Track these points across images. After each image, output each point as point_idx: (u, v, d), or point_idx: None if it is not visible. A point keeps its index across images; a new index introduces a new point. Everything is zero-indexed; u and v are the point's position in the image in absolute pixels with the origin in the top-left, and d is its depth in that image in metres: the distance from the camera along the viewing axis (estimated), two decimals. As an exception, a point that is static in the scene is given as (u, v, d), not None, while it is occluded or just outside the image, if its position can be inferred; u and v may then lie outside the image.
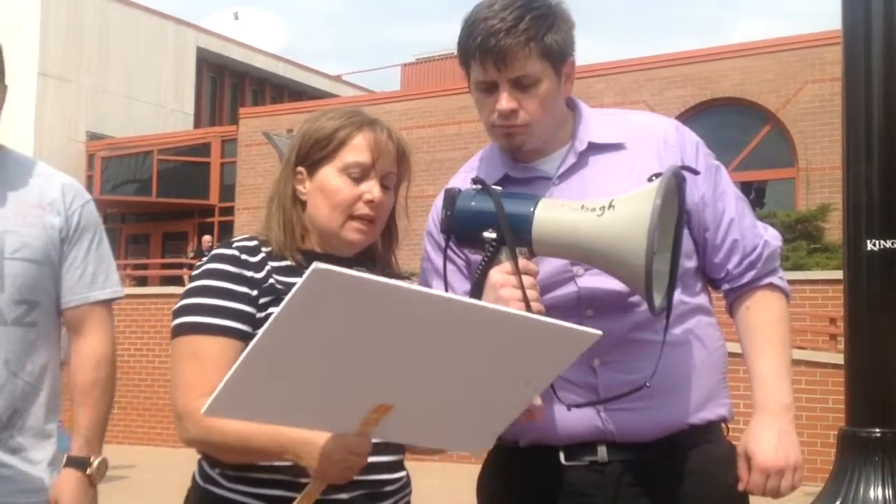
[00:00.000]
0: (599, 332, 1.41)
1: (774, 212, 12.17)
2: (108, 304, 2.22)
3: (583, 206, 1.67)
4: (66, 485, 2.10)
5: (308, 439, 1.50)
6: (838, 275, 8.73)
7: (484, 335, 1.34)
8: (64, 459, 2.15)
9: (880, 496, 2.96)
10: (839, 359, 7.64)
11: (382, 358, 1.34)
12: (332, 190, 1.73)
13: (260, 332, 1.28)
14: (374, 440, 1.50)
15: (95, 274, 2.20)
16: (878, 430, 3.06)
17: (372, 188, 1.73)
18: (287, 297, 1.24)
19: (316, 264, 1.21)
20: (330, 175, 1.74)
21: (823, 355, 8.29)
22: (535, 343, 1.39)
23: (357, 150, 1.73)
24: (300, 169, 1.77)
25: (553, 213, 1.69)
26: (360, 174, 1.73)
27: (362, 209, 1.72)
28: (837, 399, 7.02)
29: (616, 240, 1.62)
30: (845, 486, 3.03)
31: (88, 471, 2.13)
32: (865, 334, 3.22)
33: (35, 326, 2.12)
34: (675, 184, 1.67)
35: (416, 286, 1.31)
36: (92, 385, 2.16)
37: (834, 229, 11.58)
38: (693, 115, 13.70)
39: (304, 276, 1.21)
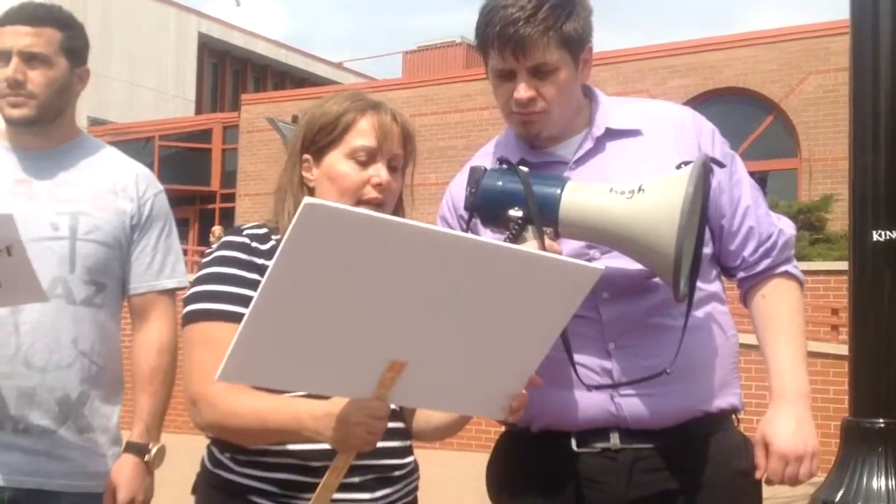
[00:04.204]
0: (602, 268, 1.42)
1: (777, 202, 12.14)
2: (173, 293, 2.26)
3: (611, 189, 1.68)
4: (125, 470, 2.13)
5: (326, 411, 1.49)
6: (840, 265, 8.77)
7: (488, 274, 1.33)
8: (123, 444, 2.18)
9: (883, 486, 2.95)
10: (841, 349, 7.63)
11: (390, 305, 1.32)
12: (339, 175, 1.72)
13: (262, 281, 1.28)
14: (388, 425, 1.49)
15: (164, 263, 2.25)
16: (882, 420, 3.04)
17: (379, 171, 1.72)
18: (283, 239, 1.23)
19: (307, 198, 1.21)
20: (336, 160, 1.73)
21: (825, 346, 8.29)
22: (541, 281, 1.38)
23: (362, 133, 1.72)
24: (306, 156, 1.77)
25: (581, 194, 1.69)
26: (366, 158, 1.72)
27: (371, 193, 1.71)
28: (839, 390, 7.02)
29: (645, 224, 1.61)
30: (848, 477, 3.02)
31: (147, 457, 2.16)
32: (870, 325, 3.20)
33: (102, 308, 2.17)
34: (703, 173, 1.66)
35: (414, 222, 1.29)
36: (154, 372, 2.20)
37: (836, 220, 11.56)
38: (696, 105, 13.61)
39: (297, 213, 1.20)
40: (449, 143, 15.17)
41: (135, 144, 20.75)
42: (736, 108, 13.97)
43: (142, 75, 23.53)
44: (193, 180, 20.03)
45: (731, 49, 14.12)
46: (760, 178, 13.97)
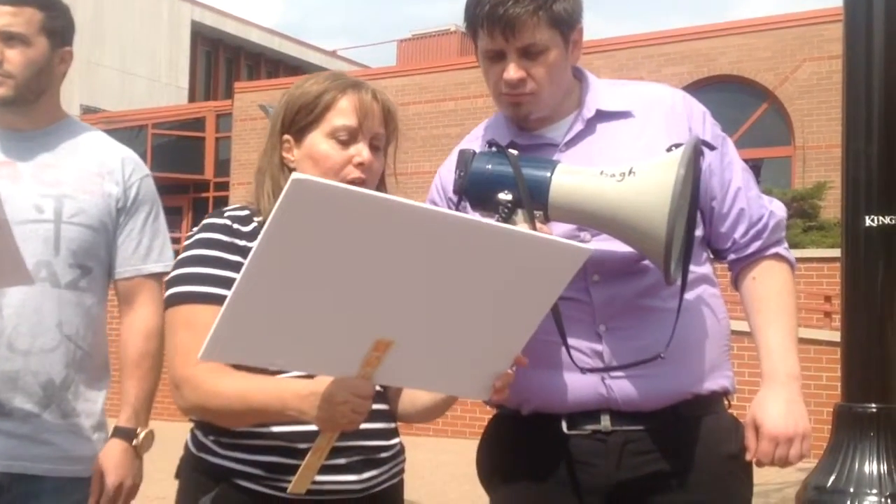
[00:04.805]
0: (592, 248, 1.42)
1: (771, 189, 12.15)
2: (160, 277, 2.23)
3: (602, 172, 1.67)
4: (113, 455, 2.12)
5: (310, 390, 1.48)
6: (833, 253, 8.77)
7: (477, 252, 1.33)
8: (111, 430, 2.17)
9: (875, 471, 2.96)
10: (833, 336, 7.64)
11: (376, 283, 1.32)
12: (321, 155, 1.71)
13: (248, 258, 1.27)
14: (373, 406, 1.49)
15: (150, 247, 2.23)
16: (873, 405, 3.05)
17: (361, 150, 1.71)
18: (270, 216, 1.22)
19: (295, 174, 1.20)
20: (317, 140, 1.72)
21: (818, 332, 8.31)
22: (529, 260, 1.37)
23: (343, 113, 1.72)
24: (287, 137, 1.76)
25: (571, 177, 1.68)
26: (347, 137, 1.71)
27: (353, 172, 1.71)
28: (831, 376, 7.04)
29: (636, 207, 1.61)
30: (840, 461, 3.03)
31: (135, 442, 2.15)
32: (862, 310, 3.21)
33: (88, 293, 2.15)
34: (694, 155, 1.66)
35: (402, 199, 1.28)
36: (142, 357, 2.18)
37: (829, 207, 11.58)
38: (690, 93, 13.52)
39: (284, 189, 1.19)
40: (443, 131, 15.13)
41: (128, 133, 20.68)
42: (730, 96, 13.95)
43: (134, 63, 23.43)
44: (187, 169, 19.95)
45: (725, 37, 14.09)
46: (754, 166, 13.97)
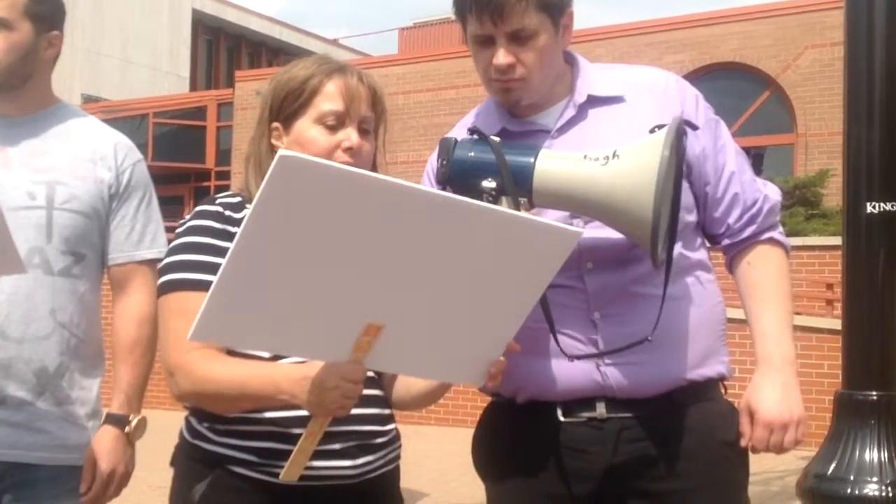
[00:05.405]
0: (582, 231, 1.41)
1: (773, 177, 12.11)
2: (153, 263, 2.19)
3: (585, 157, 1.66)
4: (105, 442, 2.11)
5: (303, 374, 1.48)
6: (836, 240, 8.77)
7: (467, 233, 1.31)
8: (103, 416, 2.15)
9: (876, 458, 2.95)
10: (835, 324, 7.64)
11: (366, 265, 1.30)
12: (309, 141, 1.70)
13: (236, 237, 1.25)
14: (367, 392, 1.48)
15: (143, 233, 2.21)
16: (874, 392, 3.05)
17: (350, 135, 1.70)
18: (257, 194, 1.21)
19: (282, 150, 1.19)
20: (305, 126, 1.72)
21: (819, 321, 8.31)
22: (520, 242, 1.36)
23: (330, 97, 1.71)
24: (276, 124, 1.75)
25: (554, 162, 1.67)
26: (335, 122, 1.70)
27: (342, 157, 1.69)
28: (833, 364, 7.03)
29: (621, 190, 1.60)
30: (841, 449, 3.03)
31: (127, 429, 2.13)
32: (863, 297, 3.20)
33: (81, 279, 2.13)
34: (677, 136, 1.65)
35: (391, 178, 1.27)
36: (135, 343, 2.17)
37: (832, 195, 11.55)
38: (692, 80, 13.44)
39: (271, 166, 1.18)
40: (444, 119, 15.10)
41: (129, 122, 20.65)
42: (732, 84, 13.91)
43: (135, 52, 23.40)
44: (188, 158, 19.93)
45: (726, 24, 14.05)
46: (756, 154, 13.94)
